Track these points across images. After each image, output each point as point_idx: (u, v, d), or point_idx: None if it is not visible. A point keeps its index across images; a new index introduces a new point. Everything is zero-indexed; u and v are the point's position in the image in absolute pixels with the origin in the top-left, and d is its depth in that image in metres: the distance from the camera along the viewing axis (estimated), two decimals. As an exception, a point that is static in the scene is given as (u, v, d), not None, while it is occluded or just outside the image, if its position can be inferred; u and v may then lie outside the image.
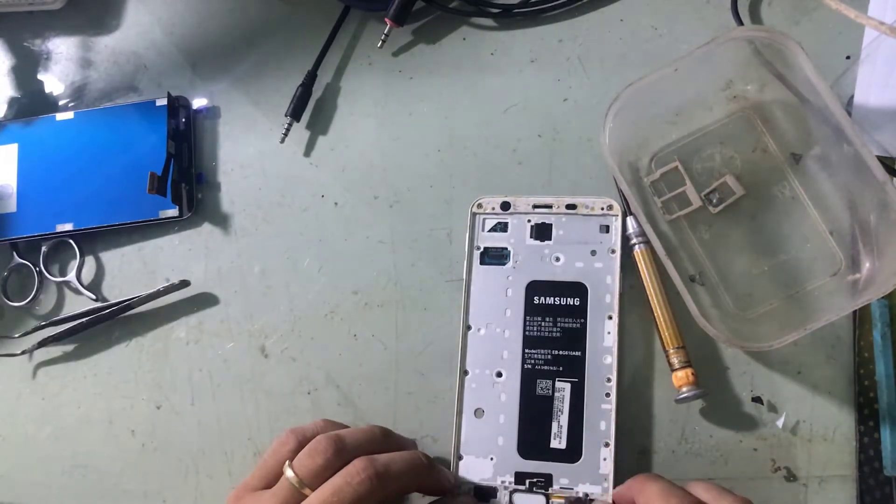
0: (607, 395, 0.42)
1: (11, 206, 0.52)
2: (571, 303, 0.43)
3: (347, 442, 0.38)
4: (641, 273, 0.43)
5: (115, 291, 0.51)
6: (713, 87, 0.45)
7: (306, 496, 0.36)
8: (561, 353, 0.43)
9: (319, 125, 0.51)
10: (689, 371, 0.41)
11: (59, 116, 0.53)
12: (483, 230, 0.46)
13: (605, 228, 0.44)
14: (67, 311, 0.52)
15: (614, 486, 0.40)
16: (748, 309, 0.43)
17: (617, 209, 0.44)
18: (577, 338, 0.43)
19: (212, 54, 0.54)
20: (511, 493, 0.41)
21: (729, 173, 0.44)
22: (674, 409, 0.42)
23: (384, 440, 0.40)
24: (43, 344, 0.51)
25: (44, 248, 0.52)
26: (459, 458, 0.42)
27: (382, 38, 0.50)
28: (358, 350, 0.47)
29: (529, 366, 0.43)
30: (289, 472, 0.36)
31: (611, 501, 0.40)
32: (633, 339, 0.43)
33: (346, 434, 0.38)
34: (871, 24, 0.40)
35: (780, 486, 0.41)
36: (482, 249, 0.45)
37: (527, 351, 0.43)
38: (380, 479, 0.35)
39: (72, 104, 0.55)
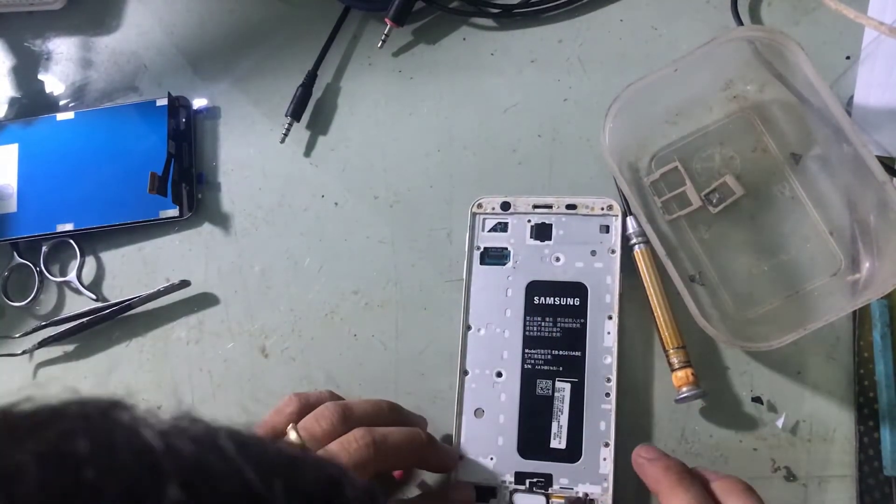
0: (607, 395, 0.42)
1: (12, 206, 0.52)
2: (571, 303, 0.43)
3: (354, 411, 0.39)
4: (641, 273, 0.43)
5: (116, 291, 0.51)
6: (713, 87, 0.45)
7: None
8: (561, 353, 0.43)
9: (319, 125, 0.51)
10: (689, 371, 0.41)
11: (60, 116, 0.53)
12: (483, 230, 0.46)
13: (605, 228, 0.44)
14: (68, 311, 0.52)
15: (614, 486, 0.40)
16: (748, 309, 0.43)
17: (617, 209, 0.44)
18: (576, 338, 0.43)
19: (212, 54, 0.54)
20: (511, 493, 0.41)
21: (729, 173, 0.44)
22: (674, 409, 0.42)
23: (390, 414, 0.41)
24: (43, 344, 0.51)
25: (44, 248, 0.52)
26: (459, 457, 0.42)
27: (382, 38, 0.50)
28: (358, 350, 0.47)
29: (529, 366, 0.43)
30: (292, 434, 0.37)
31: (610, 501, 0.40)
32: (633, 339, 0.43)
33: (353, 404, 0.39)
34: (870, 24, 0.40)
35: (780, 486, 0.41)
36: (482, 249, 0.45)
37: (527, 351, 0.43)
38: (377, 449, 0.36)
39: (72, 104, 0.55)
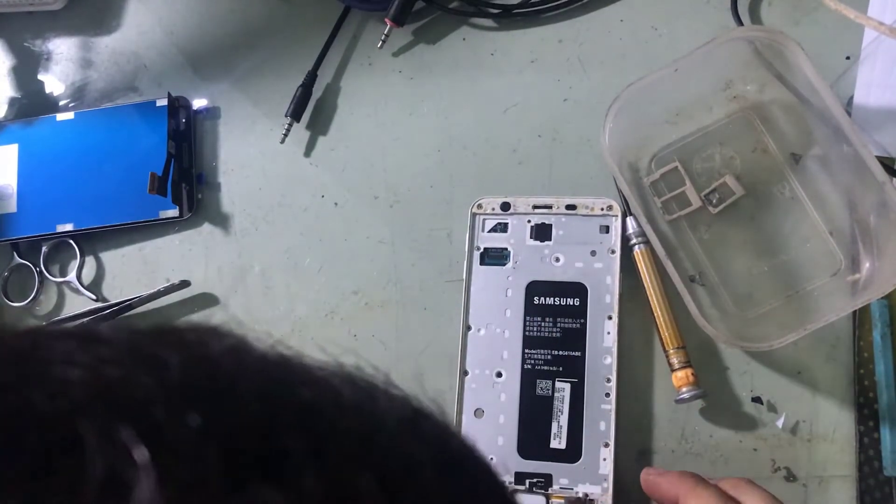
0: (607, 395, 0.42)
1: (12, 207, 0.52)
2: (571, 303, 0.43)
3: None
4: (641, 273, 0.43)
5: (116, 292, 0.51)
6: (713, 87, 0.45)
7: None
8: (561, 353, 0.43)
9: (319, 125, 0.51)
10: (689, 371, 0.41)
11: (60, 117, 0.53)
12: (483, 230, 0.46)
13: (605, 229, 0.44)
14: (68, 311, 0.52)
15: (614, 487, 0.40)
16: (748, 309, 0.43)
17: (617, 209, 0.44)
18: (576, 338, 0.43)
19: (212, 54, 0.54)
20: (511, 493, 0.41)
21: (729, 173, 0.44)
22: (674, 409, 0.42)
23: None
24: (43, 344, 0.51)
25: (44, 249, 0.52)
26: None
27: (382, 38, 0.50)
28: (358, 350, 0.47)
29: (529, 366, 0.43)
30: None
31: (610, 501, 0.40)
32: (633, 339, 0.43)
33: None
34: (871, 25, 0.40)
35: (780, 486, 0.41)
36: (482, 250, 0.45)
37: (527, 351, 0.43)
38: None
39: (72, 104, 0.55)
